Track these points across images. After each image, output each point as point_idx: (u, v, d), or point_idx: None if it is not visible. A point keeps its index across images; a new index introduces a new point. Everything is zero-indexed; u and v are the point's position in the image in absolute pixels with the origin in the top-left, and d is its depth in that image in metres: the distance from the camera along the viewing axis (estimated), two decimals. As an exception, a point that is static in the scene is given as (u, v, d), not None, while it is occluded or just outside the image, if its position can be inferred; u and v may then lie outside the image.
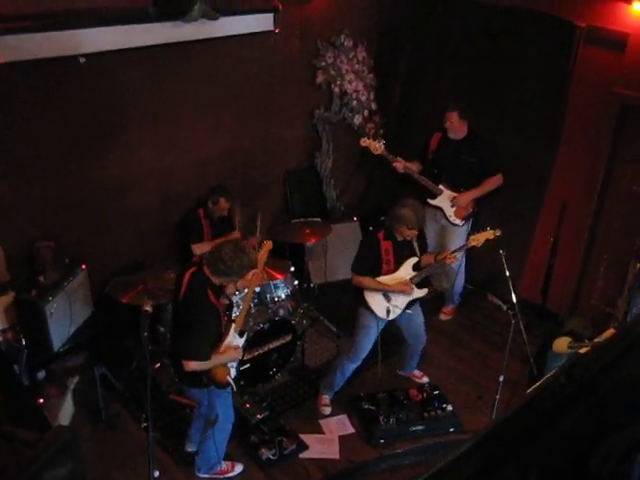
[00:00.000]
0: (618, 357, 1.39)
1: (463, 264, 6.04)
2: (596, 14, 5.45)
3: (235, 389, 4.40)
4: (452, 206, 6.01)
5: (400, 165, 5.78)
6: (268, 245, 4.70)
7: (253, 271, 4.26)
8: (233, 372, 4.37)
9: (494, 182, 5.96)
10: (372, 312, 4.99)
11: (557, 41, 5.74)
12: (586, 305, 6.21)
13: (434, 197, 6.02)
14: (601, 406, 1.28)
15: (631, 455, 1.22)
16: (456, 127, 5.83)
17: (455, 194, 5.97)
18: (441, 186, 5.97)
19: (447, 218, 6.07)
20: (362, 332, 5.10)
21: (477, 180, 5.96)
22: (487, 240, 5.00)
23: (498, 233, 4.87)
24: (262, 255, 4.62)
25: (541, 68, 5.95)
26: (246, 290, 4.73)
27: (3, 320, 4.97)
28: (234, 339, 4.30)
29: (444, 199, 6.01)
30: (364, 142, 5.78)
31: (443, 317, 6.61)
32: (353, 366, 5.24)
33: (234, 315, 4.55)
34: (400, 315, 5.10)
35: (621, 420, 1.24)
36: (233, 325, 4.30)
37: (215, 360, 4.13)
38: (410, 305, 5.11)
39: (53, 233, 5.47)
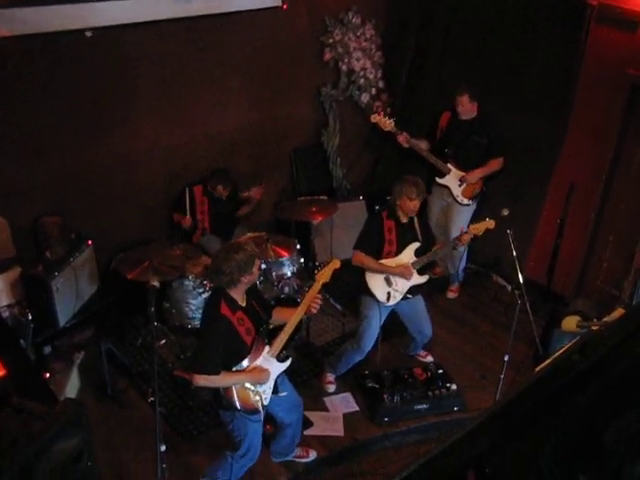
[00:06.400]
0: (630, 336, 1.39)
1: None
2: (608, -8, 5.39)
3: (262, 419, 3.91)
4: (460, 185, 6.00)
5: (404, 139, 5.77)
6: (334, 263, 4.22)
7: (310, 292, 3.97)
8: (266, 398, 3.91)
9: (497, 164, 5.96)
10: (373, 298, 4.98)
11: (568, 20, 5.67)
12: (592, 286, 6.19)
13: (442, 176, 6.00)
14: (615, 383, 1.27)
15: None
16: (467, 109, 5.82)
17: (463, 173, 5.95)
18: (449, 165, 5.95)
19: (454, 197, 6.05)
20: (365, 323, 5.08)
21: (484, 160, 5.94)
22: (487, 230, 4.98)
23: (506, 213, 4.83)
24: (324, 273, 4.14)
25: (551, 48, 5.88)
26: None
27: (9, 295, 4.99)
28: (266, 362, 3.89)
29: (452, 178, 5.99)
30: (374, 118, 5.78)
31: (451, 295, 6.62)
32: (358, 358, 5.22)
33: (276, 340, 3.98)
34: (402, 307, 5.13)
35: (635, 396, 1.23)
36: (267, 347, 3.91)
37: (230, 379, 3.77)
38: (411, 292, 5.09)
39: (59, 208, 5.48)
